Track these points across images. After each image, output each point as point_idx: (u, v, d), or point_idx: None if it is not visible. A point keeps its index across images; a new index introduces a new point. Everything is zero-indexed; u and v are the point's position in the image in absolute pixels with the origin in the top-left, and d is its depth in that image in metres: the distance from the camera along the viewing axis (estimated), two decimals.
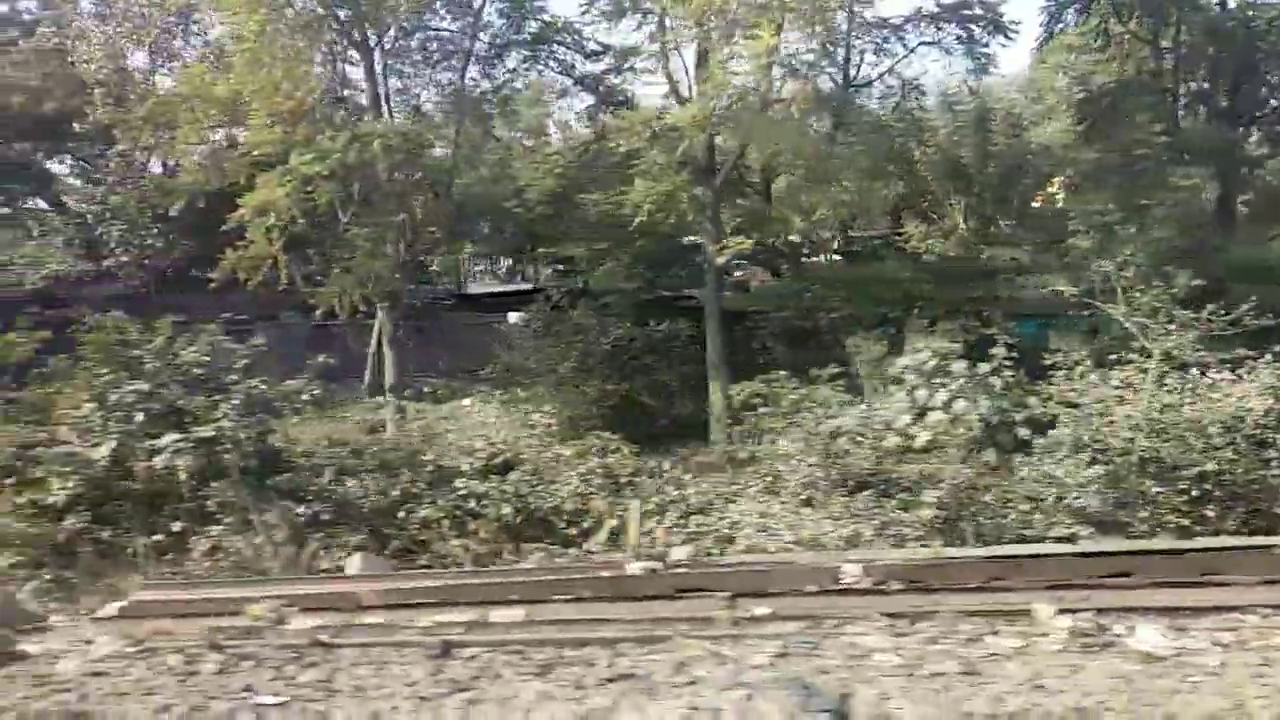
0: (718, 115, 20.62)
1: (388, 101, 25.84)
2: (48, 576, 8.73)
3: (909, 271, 27.56)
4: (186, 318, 23.92)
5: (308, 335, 31.60)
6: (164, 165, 27.43)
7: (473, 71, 28.44)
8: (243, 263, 21.94)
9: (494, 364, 26.14)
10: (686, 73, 23.55)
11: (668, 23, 22.67)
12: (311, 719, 4.13)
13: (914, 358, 13.09)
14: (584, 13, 26.50)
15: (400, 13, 24.35)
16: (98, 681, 4.66)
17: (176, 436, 9.88)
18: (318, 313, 22.19)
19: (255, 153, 22.05)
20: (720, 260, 24.27)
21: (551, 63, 31.66)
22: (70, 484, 9.89)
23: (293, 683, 4.53)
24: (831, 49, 20.66)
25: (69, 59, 29.28)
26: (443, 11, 27.05)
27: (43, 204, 31.09)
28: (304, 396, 11.91)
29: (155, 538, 9.47)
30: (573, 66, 32.79)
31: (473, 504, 10.92)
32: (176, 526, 9.62)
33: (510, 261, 39.39)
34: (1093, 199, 25.36)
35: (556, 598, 5.30)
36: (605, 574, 5.74)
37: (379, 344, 25.57)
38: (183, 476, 9.74)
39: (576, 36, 30.43)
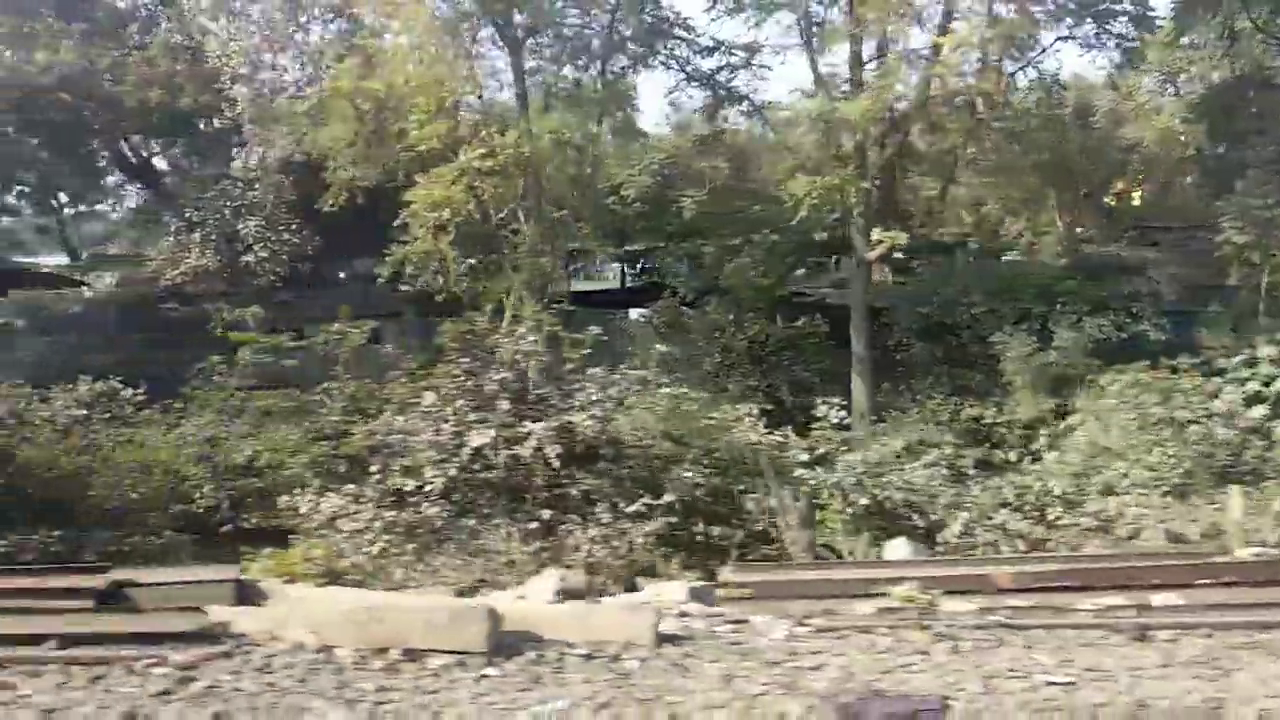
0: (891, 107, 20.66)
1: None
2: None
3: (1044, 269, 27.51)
4: (319, 314, 24.40)
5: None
6: (299, 161, 27.54)
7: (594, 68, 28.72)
8: (409, 259, 22.10)
9: (635, 360, 26.19)
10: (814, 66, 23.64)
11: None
12: None
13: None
14: (710, 9, 26.59)
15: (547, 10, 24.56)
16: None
17: (544, 424, 9.92)
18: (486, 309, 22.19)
19: (420, 148, 22.19)
20: (871, 255, 24.29)
21: (668, 59, 31.92)
22: (448, 471, 9.91)
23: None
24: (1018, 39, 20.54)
25: (197, 55, 29.54)
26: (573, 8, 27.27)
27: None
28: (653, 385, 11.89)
29: (530, 525, 9.50)
30: (687, 61, 33.05)
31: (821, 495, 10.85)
32: (546, 515, 9.64)
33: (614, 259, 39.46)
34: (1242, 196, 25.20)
35: (1200, 582, 5.32)
36: (1220, 559, 5.77)
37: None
38: (556, 464, 9.78)
39: (692, 32, 30.59)
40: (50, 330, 27.05)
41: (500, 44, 24.46)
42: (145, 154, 32.16)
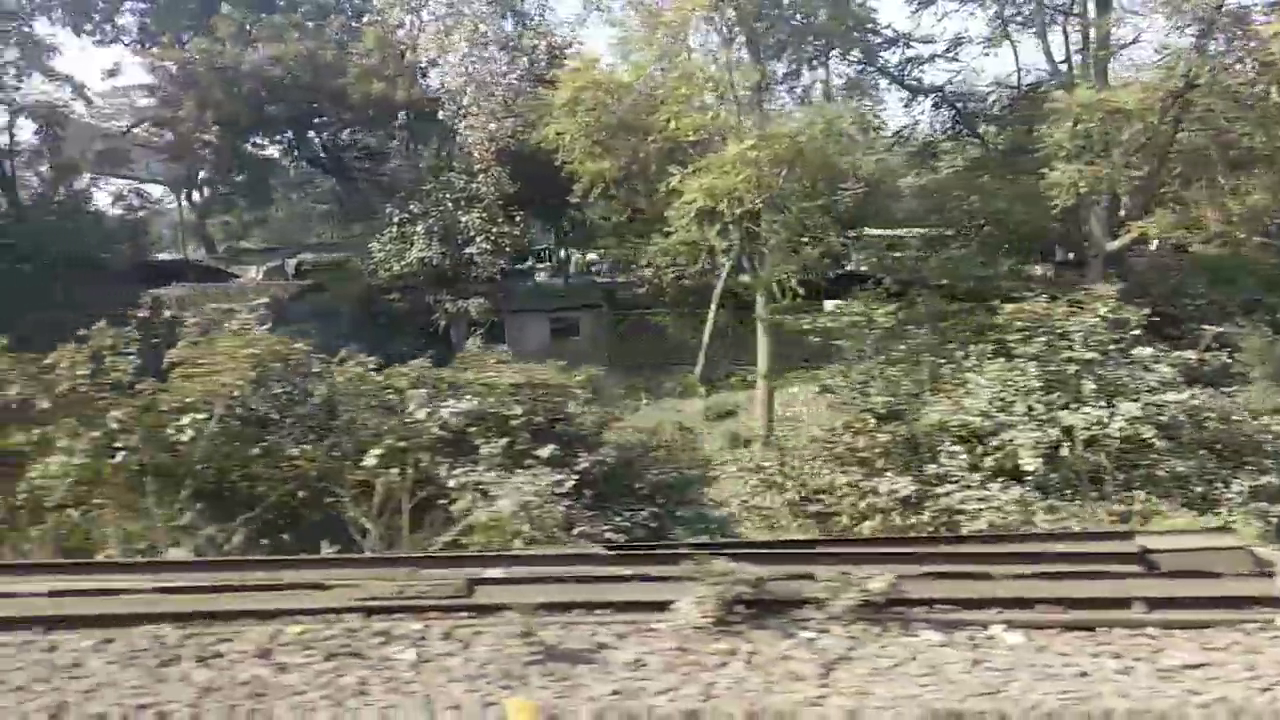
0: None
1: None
2: None
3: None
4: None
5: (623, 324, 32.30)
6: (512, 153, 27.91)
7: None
8: (673, 250, 22.28)
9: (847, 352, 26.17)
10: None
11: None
12: None
13: None
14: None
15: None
16: None
17: (1134, 404, 9.74)
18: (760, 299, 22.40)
19: (685, 139, 22.37)
20: (1113, 245, 24.07)
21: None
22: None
23: None
24: None
25: (408, 49, 30.09)
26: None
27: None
28: None
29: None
30: (876, 55, 33.10)
31: None
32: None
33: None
34: None
35: None
36: None
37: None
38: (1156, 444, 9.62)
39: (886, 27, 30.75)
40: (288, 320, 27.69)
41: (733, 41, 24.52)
42: (367, 146, 32.86)
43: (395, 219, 28.39)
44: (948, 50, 31.43)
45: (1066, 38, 29.73)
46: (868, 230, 33.29)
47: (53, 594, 5.18)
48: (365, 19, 31.45)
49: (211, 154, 28.31)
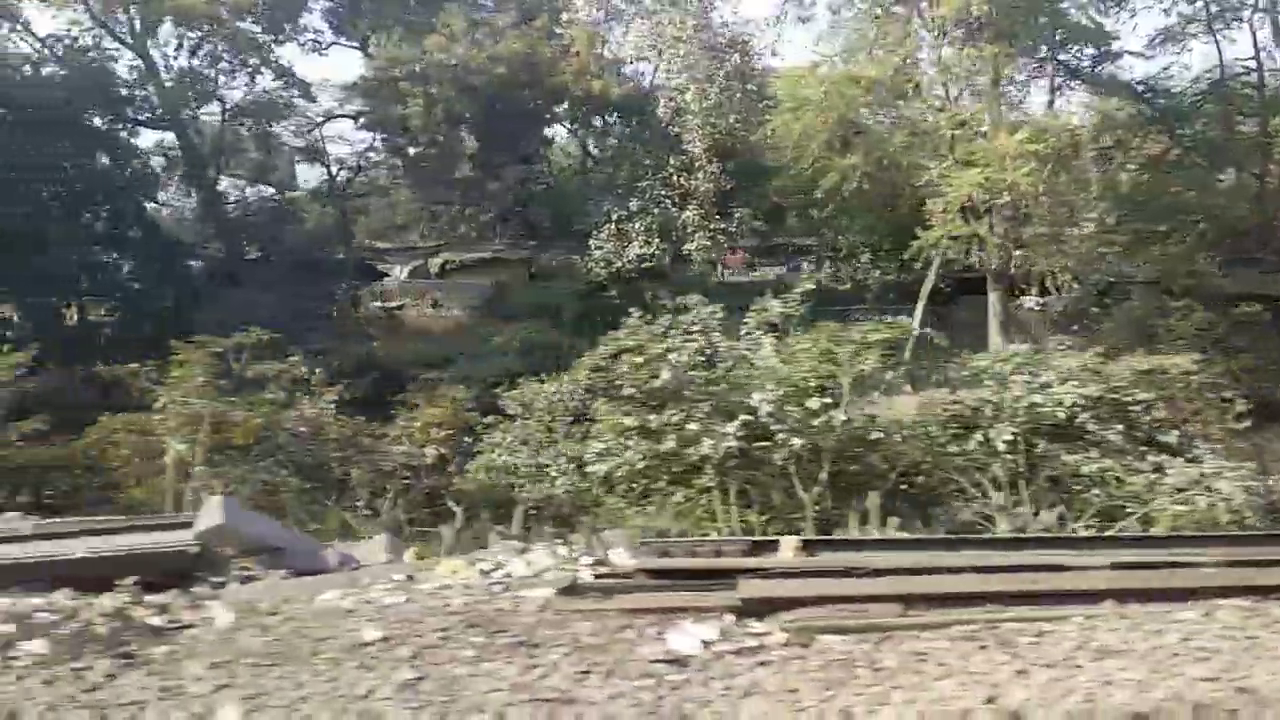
0: None
1: None
2: None
3: None
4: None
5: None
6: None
7: None
8: (940, 242, 22.34)
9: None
10: None
11: None
12: None
13: None
14: None
15: None
16: None
17: None
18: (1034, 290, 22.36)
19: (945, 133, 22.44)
20: None
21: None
22: None
23: None
24: None
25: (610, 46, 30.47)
26: None
27: None
28: None
29: None
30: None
31: None
32: None
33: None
34: None
35: None
36: None
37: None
38: None
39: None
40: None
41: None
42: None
43: (613, 216, 28.75)
44: (1148, 45, 31.22)
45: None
46: None
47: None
48: (565, 17, 31.94)
49: (436, 152, 28.89)
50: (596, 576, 6.10)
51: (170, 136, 34.36)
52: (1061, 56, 33.43)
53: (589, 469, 11.33)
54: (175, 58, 33.48)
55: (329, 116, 35.84)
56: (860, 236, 31.21)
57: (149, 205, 32.27)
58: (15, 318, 26.82)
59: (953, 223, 22.09)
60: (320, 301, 29.64)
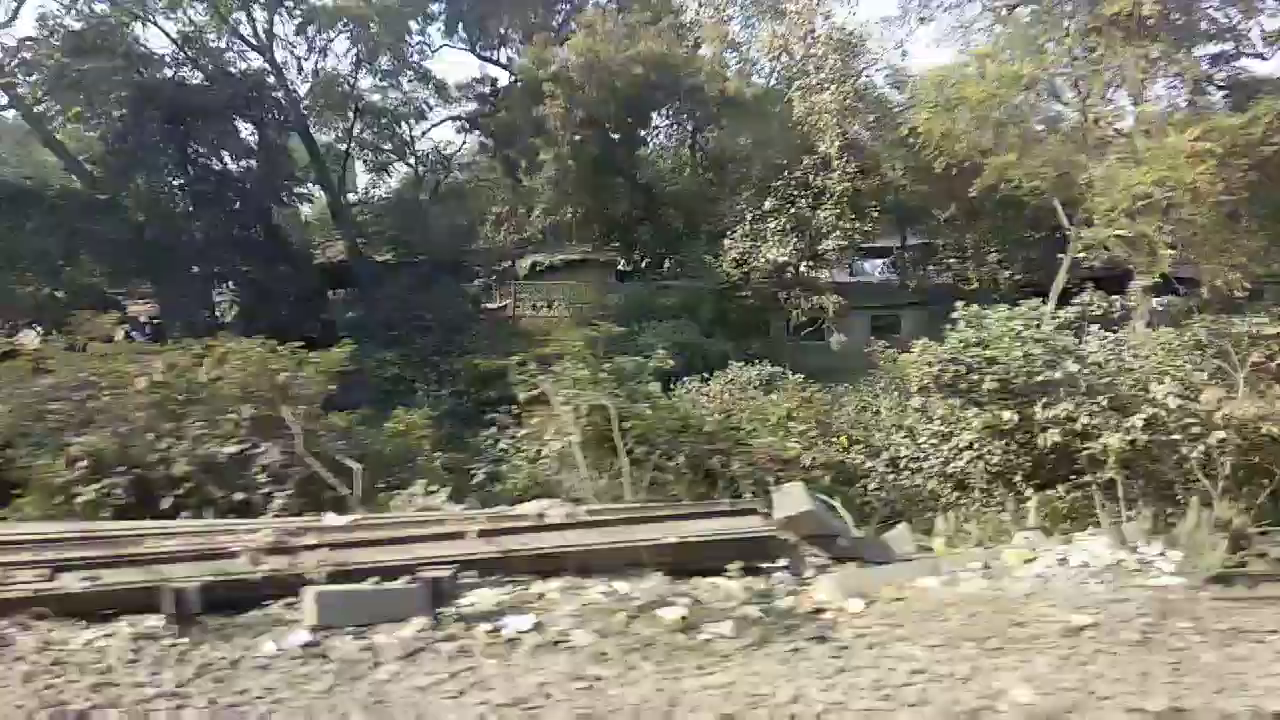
0: None
1: None
2: None
3: None
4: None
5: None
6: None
7: None
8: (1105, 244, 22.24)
9: None
10: None
11: None
12: None
13: None
14: None
15: None
16: None
17: None
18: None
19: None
20: None
21: None
22: None
23: None
24: None
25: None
26: None
27: None
28: None
29: None
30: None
31: None
32: None
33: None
34: None
35: None
36: None
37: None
38: None
39: None
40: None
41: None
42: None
43: (748, 217, 28.92)
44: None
45: None
46: None
47: None
48: (687, 18, 32.21)
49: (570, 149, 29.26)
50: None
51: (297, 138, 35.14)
52: (1197, 53, 33.07)
53: (949, 467, 11.33)
54: (305, 59, 34.38)
55: (455, 118, 36.70)
56: (992, 236, 31.05)
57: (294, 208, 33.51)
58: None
59: (1118, 221, 21.90)
60: (459, 300, 30.28)
